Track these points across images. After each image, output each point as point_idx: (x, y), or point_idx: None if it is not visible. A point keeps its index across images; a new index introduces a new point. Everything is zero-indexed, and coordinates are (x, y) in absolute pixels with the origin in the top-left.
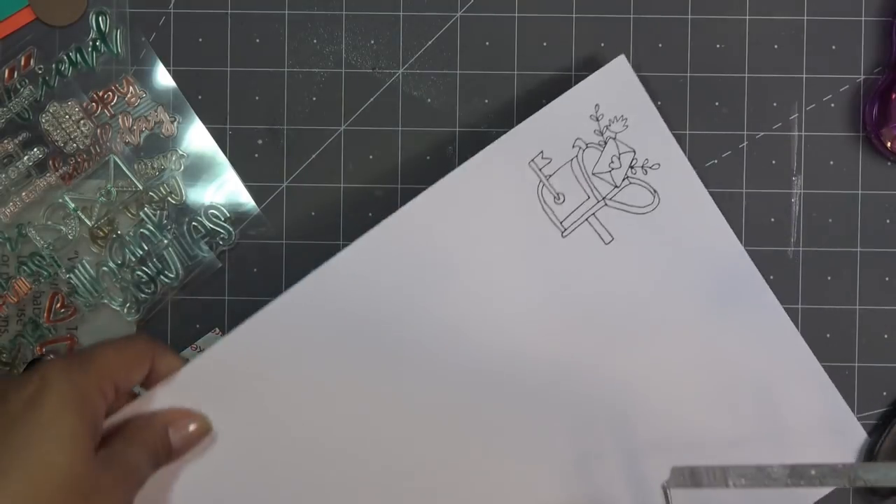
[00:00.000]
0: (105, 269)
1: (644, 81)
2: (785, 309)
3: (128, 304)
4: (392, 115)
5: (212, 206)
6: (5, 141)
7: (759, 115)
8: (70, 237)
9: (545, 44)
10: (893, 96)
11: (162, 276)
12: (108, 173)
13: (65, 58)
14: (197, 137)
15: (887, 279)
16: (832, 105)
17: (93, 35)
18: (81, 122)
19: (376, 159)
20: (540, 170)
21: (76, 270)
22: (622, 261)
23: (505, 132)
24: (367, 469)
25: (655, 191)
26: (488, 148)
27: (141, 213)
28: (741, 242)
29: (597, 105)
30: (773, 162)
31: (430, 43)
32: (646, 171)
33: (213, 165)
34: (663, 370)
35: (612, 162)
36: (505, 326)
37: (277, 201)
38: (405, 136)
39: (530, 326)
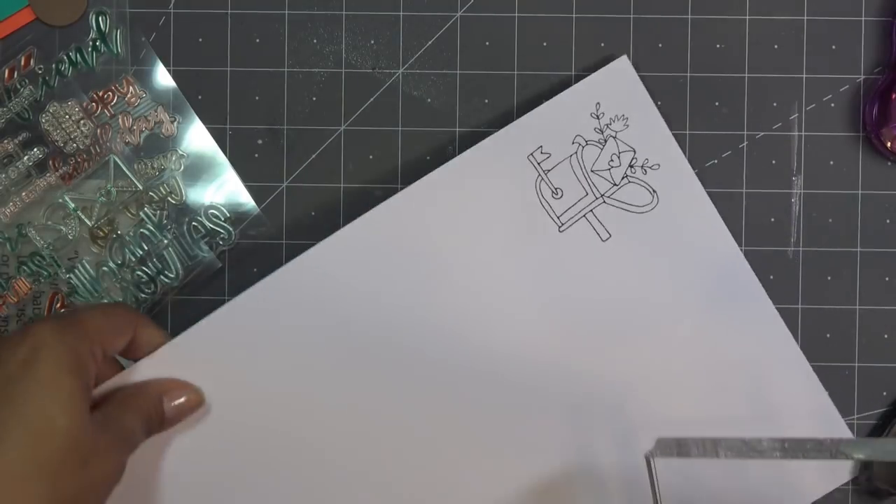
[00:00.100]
0: (105, 269)
1: (644, 81)
2: (785, 309)
3: None
4: (392, 115)
5: (212, 206)
6: (5, 141)
7: (759, 115)
8: (70, 237)
9: (545, 44)
10: (893, 96)
11: (162, 276)
12: (108, 173)
13: (65, 58)
14: (197, 137)
15: (887, 279)
16: (832, 105)
17: (93, 35)
18: (81, 122)
19: (376, 159)
20: (539, 164)
21: (76, 270)
22: (618, 258)
23: None
24: (352, 453)
25: (655, 191)
26: (486, 140)
27: (141, 213)
28: (741, 242)
29: (598, 103)
30: (773, 162)
31: (430, 43)
32: (645, 170)
33: (213, 165)
34: (654, 367)
35: (611, 160)
36: (497, 317)
37: (277, 201)
38: (405, 136)
39: (523, 318)
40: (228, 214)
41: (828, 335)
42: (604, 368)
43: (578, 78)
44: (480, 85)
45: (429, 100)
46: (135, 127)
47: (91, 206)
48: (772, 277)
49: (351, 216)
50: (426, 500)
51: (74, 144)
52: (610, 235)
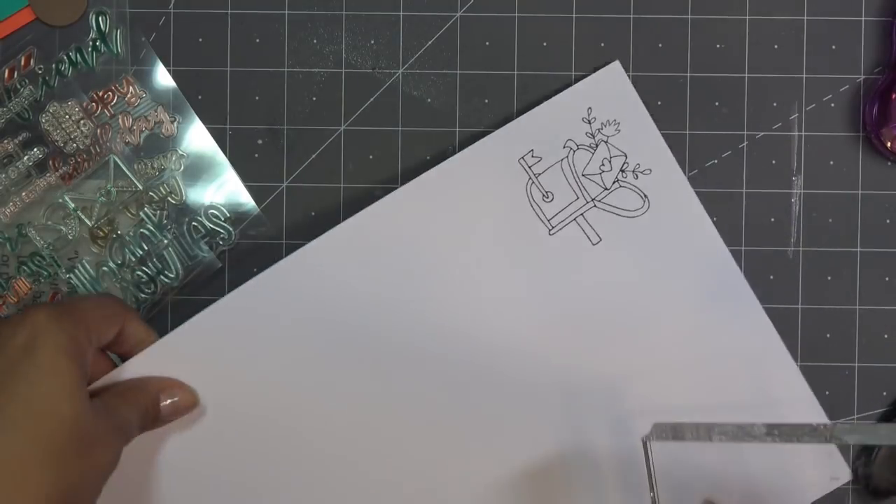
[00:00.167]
0: (105, 269)
1: (644, 81)
2: (785, 309)
3: None
4: (392, 115)
5: (212, 206)
6: (5, 141)
7: (759, 115)
8: (70, 237)
9: (545, 44)
10: (893, 96)
11: (162, 276)
12: (108, 173)
13: (65, 58)
14: (197, 137)
15: (887, 279)
16: (832, 105)
17: (93, 35)
18: (81, 122)
19: (376, 159)
20: (529, 167)
21: (76, 270)
22: (608, 262)
23: None
24: (347, 444)
25: (646, 196)
26: (477, 144)
27: (141, 213)
28: (741, 242)
29: (589, 108)
30: (773, 162)
31: (430, 43)
32: (637, 175)
33: (213, 165)
34: (641, 367)
35: (602, 164)
36: (490, 315)
37: (277, 201)
38: (405, 136)
39: (512, 320)
40: (228, 214)
41: (828, 335)
42: (590, 368)
43: (578, 78)
44: (480, 85)
45: (429, 100)
46: (135, 127)
47: (91, 206)
48: (772, 277)
49: (351, 216)
50: (421, 491)
51: (74, 144)
52: (600, 239)
